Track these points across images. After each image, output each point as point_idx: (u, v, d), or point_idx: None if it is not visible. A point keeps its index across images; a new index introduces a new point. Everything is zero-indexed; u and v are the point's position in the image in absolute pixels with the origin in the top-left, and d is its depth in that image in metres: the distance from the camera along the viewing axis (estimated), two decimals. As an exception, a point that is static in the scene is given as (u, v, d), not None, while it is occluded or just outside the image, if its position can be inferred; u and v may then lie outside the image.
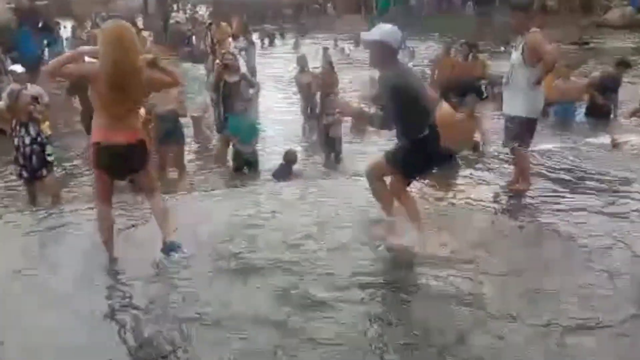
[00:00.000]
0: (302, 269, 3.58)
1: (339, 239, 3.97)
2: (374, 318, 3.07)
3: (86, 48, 3.88)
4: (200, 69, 10.05)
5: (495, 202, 4.86)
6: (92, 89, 3.53)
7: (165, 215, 3.77)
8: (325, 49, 13.67)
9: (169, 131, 6.95)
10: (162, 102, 6.66)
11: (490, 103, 10.52)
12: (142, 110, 4.69)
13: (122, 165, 3.60)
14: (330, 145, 8.50)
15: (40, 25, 12.69)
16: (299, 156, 7.73)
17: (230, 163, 7.75)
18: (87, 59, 3.63)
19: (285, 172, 7.20)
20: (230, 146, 7.72)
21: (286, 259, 3.69)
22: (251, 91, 7.94)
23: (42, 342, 2.95)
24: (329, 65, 10.79)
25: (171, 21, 18.07)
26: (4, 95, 6.80)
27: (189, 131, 8.54)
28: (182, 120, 7.47)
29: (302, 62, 10.68)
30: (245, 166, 7.53)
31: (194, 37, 16.36)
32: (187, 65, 9.39)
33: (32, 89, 7.53)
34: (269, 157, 8.03)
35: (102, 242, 3.73)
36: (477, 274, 3.51)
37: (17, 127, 6.03)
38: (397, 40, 3.70)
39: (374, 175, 4.00)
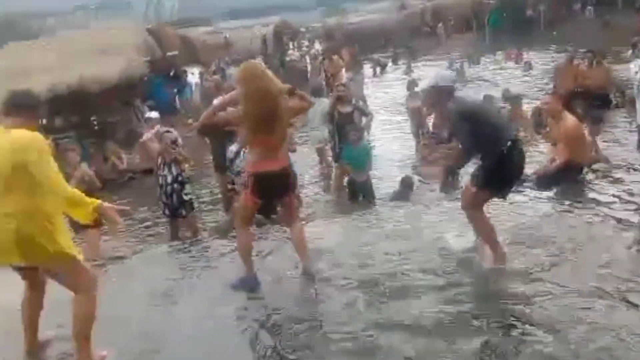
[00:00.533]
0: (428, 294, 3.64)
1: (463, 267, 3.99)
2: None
3: (226, 97, 4.26)
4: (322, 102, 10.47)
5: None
6: (241, 130, 4.00)
7: (303, 241, 4.11)
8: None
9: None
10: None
11: (618, 111, 9.84)
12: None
13: (275, 190, 4.01)
14: (446, 169, 8.39)
15: (171, 74, 13.97)
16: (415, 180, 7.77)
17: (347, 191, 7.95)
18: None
19: (402, 197, 7.25)
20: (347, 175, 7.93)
21: (408, 283, 3.78)
22: (364, 120, 8.12)
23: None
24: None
25: (287, 59, 18.97)
26: (148, 134, 7.56)
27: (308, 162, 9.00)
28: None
29: (412, 86, 10.72)
30: (360, 194, 7.68)
31: (309, 73, 17.05)
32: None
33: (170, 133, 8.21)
34: (385, 183, 8.14)
35: (243, 262, 4.06)
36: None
37: (162, 167, 6.61)
38: (451, 81, 4.16)
39: (469, 205, 4.08)
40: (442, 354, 3.03)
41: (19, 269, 3.31)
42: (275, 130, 3.83)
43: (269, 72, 3.89)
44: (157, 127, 8.01)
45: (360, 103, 9.41)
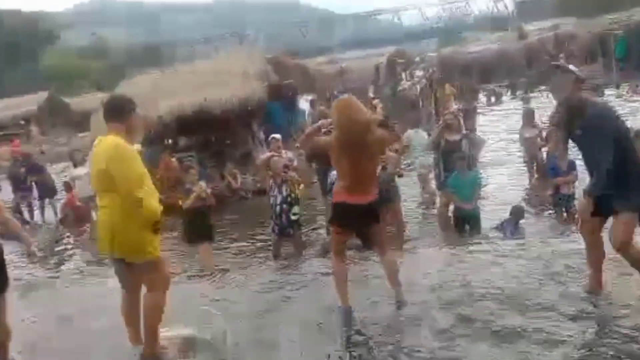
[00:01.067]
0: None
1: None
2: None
3: (324, 122, 4.40)
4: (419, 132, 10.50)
5: None
6: (332, 157, 4.10)
7: (395, 271, 4.12)
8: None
9: (385, 190, 7.31)
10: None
11: None
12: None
13: (355, 224, 4.08)
14: (561, 202, 8.03)
15: (288, 100, 14.58)
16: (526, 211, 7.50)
17: (452, 220, 7.81)
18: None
19: (510, 227, 7.02)
20: (452, 203, 7.81)
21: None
22: (474, 149, 7.97)
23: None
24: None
25: (399, 88, 19.05)
26: (262, 157, 8.00)
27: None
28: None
29: (527, 116, 10.37)
30: (466, 223, 7.51)
31: (420, 102, 16.96)
32: (411, 131, 9.95)
33: (286, 155, 8.57)
34: (492, 214, 7.91)
35: (337, 292, 4.06)
36: None
37: (273, 188, 6.94)
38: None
39: (626, 239, 3.69)
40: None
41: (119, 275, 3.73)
42: (361, 161, 3.92)
43: (359, 105, 4.01)
44: (280, 147, 8.38)
45: (472, 133, 9.28)
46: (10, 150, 16.27)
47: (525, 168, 10.10)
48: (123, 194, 3.41)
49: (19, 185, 11.77)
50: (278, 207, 6.83)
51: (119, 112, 3.64)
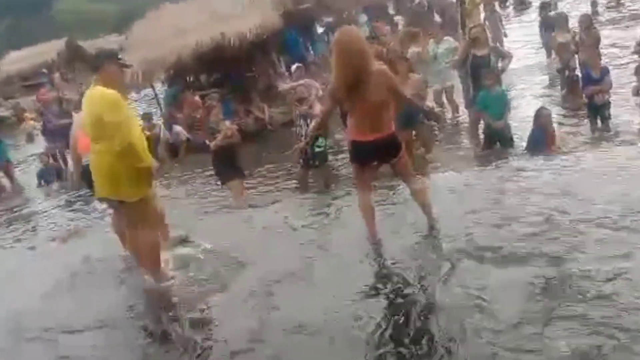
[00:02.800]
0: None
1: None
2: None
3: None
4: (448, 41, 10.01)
5: None
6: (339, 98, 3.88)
7: (424, 198, 4.05)
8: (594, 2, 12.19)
9: (410, 114, 7.14)
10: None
11: None
12: None
13: (372, 159, 3.97)
14: (595, 110, 7.77)
15: (305, 27, 14.12)
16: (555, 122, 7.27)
17: (482, 139, 7.65)
18: None
19: (538, 140, 6.83)
20: (482, 121, 7.62)
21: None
22: (501, 63, 7.65)
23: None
24: (588, 21, 9.68)
25: (417, 1, 18.03)
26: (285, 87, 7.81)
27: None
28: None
29: (561, 21, 9.87)
30: (497, 141, 7.35)
31: (435, 12, 16.11)
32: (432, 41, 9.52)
33: (308, 83, 8.36)
34: (524, 130, 7.69)
35: (365, 224, 4.06)
36: None
37: (298, 119, 6.88)
38: None
39: None
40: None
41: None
42: (367, 94, 3.67)
43: (360, 40, 3.74)
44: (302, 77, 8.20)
45: (499, 45, 8.89)
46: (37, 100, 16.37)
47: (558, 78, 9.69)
48: (115, 140, 3.70)
49: (50, 134, 11.91)
50: (303, 138, 6.77)
51: (98, 64, 3.99)
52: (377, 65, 3.76)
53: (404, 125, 7.10)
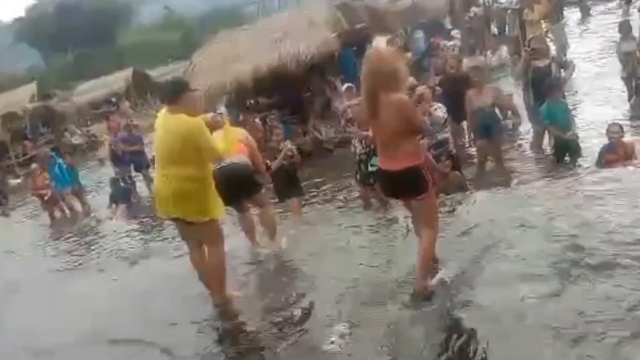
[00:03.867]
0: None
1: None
2: None
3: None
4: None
5: None
6: None
7: (422, 261, 3.59)
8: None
9: (486, 125, 7.07)
10: (477, 98, 6.92)
11: None
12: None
13: (396, 190, 3.66)
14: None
15: (360, 46, 14.23)
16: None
17: (548, 151, 7.44)
18: None
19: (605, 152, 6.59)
20: (546, 134, 7.42)
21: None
22: (563, 73, 7.45)
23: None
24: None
25: (471, 15, 17.88)
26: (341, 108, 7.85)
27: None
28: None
29: (624, 28, 9.52)
30: (566, 153, 7.12)
31: (493, 26, 15.90)
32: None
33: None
34: (592, 141, 7.42)
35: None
36: None
37: (354, 137, 6.88)
38: None
39: None
40: None
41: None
42: (381, 120, 3.41)
43: (386, 58, 3.43)
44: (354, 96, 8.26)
45: (560, 55, 8.66)
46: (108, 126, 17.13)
47: (624, 87, 9.30)
48: (204, 163, 4.00)
49: (117, 159, 12.43)
50: (357, 157, 6.75)
51: (173, 93, 4.12)
52: (398, 94, 3.40)
53: (481, 135, 7.11)
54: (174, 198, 4.04)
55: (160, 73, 29.72)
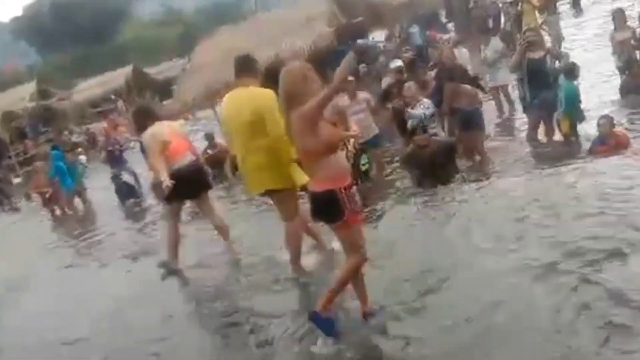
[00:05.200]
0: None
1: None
2: None
3: None
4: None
5: None
6: None
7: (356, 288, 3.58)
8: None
9: (467, 120, 7.15)
10: (456, 98, 7.04)
11: None
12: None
13: (313, 212, 3.46)
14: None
15: (357, 40, 14.24)
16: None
17: (544, 142, 7.53)
18: None
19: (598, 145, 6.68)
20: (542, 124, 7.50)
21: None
22: (557, 64, 7.53)
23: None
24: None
25: (471, 5, 17.85)
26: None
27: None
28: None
29: (618, 17, 9.56)
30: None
31: (490, 20, 15.94)
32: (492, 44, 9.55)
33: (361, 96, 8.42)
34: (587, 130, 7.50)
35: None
36: None
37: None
38: None
39: None
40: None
41: None
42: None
43: (296, 75, 3.38)
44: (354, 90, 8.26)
45: (555, 47, 8.74)
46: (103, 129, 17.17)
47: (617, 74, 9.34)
48: (278, 136, 4.00)
49: (112, 158, 12.33)
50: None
51: (253, 67, 4.44)
52: (302, 108, 3.24)
53: (463, 129, 7.19)
54: (262, 169, 4.23)
55: (160, 70, 29.81)
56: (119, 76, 27.89)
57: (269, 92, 4.12)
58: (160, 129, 5.37)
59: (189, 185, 5.23)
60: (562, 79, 7.28)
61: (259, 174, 4.29)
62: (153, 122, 5.43)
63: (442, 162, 6.41)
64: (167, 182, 4.89)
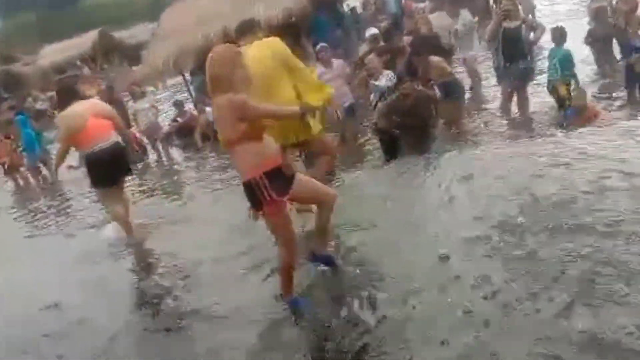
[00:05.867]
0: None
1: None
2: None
3: None
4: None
5: None
6: None
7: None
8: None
9: (449, 90, 7.11)
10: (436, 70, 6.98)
11: None
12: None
13: None
14: (635, 80, 7.55)
15: (331, 7, 13.98)
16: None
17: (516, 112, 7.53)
18: None
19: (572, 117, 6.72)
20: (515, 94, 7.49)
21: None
22: (532, 35, 7.49)
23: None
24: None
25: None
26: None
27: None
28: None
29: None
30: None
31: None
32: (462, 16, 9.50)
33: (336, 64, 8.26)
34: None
35: None
36: None
37: None
38: None
39: None
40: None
41: None
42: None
43: (221, 58, 3.20)
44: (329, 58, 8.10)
45: (530, 17, 8.70)
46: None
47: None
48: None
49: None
50: None
51: (246, 30, 4.34)
52: (227, 95, 3.13)
53: (444, 96, 7.13)
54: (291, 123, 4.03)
55: (132, 34, 28.87)
56: (85, 41, 27.01)
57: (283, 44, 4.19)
58: (75, 110, 5.07)
59: (107, 169, 5.01)
60: (552, 48, 7.49)
61: (290, 125, 4.08)
62: (74, 102, 5.17)
63: (423, 114, 6.41)
64: (56, 174, 4.83)
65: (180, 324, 3.76)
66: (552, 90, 7.42)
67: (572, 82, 7.38)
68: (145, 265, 4.96)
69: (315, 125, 4.24)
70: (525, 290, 2.93)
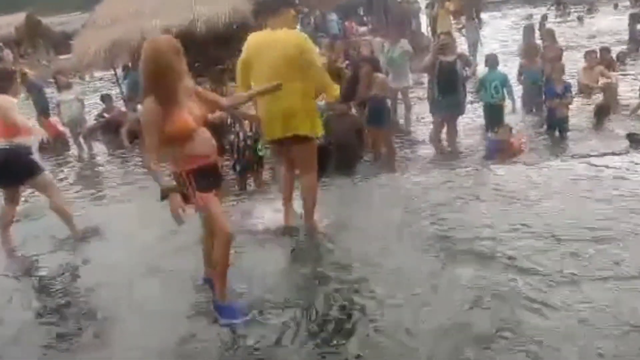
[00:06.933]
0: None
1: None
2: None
3: None
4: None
5: None
6: None
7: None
8: (544, 17, 12.44)
9: (376, 114, 7.18)
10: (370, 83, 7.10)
11: None
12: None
13: None
14: (555, 123, 8.11)
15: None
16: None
17: (445, 143, 7.78)
18: None
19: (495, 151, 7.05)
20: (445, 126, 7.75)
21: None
22: (466, 71, 7.84)
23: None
24: (549, 36, 10.05)
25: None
26: None
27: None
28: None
29: (527, 33, 10.21)
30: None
31: (413, 20, 16.29)
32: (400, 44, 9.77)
33: None
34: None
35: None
36: None
37: (233, 124, 6.12)
38: None
39: None
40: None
41: None
42: None
43: (156, 50, 3.04)
44: None
45: (466, 53, 9.08)
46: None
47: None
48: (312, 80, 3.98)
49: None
50: (242, 144, 6.12)
51: (275, 7, 4.05)
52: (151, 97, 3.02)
53: (370, 122, 7.20)
54: (288, 114, 3.95)
55: (61, 21, 27.52)
56: (9, 23, 25.51)
57: (306, 37, 4.09)
58: None
59: None
60: (487, 72, 8.32)
61: (289, 119, 3.98)
62: None
63: (351, 139, 6.57)
64: None
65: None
66: (490, 111, 7.81)
67: (509, 102, 8.27)
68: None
69: (320, 126, 4.22)
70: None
